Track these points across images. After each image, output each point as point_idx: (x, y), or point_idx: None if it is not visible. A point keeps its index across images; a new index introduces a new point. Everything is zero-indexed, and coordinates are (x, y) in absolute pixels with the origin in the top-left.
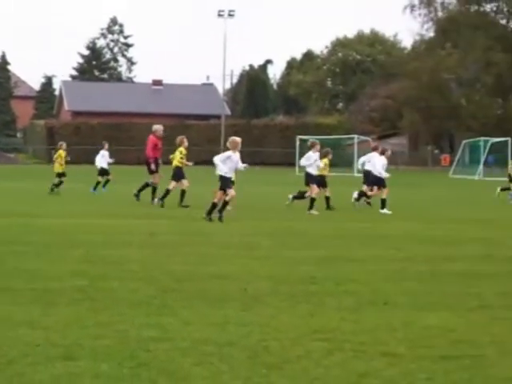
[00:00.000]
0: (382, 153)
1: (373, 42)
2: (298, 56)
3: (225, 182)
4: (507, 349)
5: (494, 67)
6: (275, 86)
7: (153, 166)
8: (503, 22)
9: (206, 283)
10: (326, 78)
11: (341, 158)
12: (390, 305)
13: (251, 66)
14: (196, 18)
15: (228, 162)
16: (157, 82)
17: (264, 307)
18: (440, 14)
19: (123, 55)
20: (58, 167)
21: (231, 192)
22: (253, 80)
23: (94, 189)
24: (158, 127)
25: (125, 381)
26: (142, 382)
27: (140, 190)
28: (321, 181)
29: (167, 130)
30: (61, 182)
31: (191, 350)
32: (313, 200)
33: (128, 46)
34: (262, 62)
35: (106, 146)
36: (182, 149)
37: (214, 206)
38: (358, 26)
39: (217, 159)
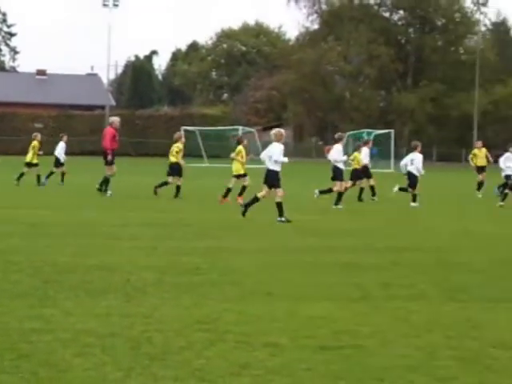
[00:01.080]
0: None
1: (258, 33)
2: (183, 47)
3: (276, 179)
4: (387, 339)
5: (376, 60)
6: (160, 77)
7: (110, 157)
8: (386, 14)
9: (89, 274)
10: (211, 69)
11: (225, 150)
12: (273, 295)
13: (136, 57)
14: (81, 7)
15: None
16: (41, 72)
17: (147, 298)
18: (324, 6)
19: (6, 44)
20: (30, 157)
21: (280, 191)
22: (138, 71)
23: (47, 177)
24: (115, 119)
25: (5, 372)
26: (22, 374)
27: (101, 185)
28: (365, 172)
29: (51, 121)
30: (23, 173)
31: (73, 341)
32: (340, 195)
33: (11, 35)
34: (147, 52)
35: (65, 138)
36: (178, 144)
37: (256, 199)
38: (243, 17)
39: (276, 155)
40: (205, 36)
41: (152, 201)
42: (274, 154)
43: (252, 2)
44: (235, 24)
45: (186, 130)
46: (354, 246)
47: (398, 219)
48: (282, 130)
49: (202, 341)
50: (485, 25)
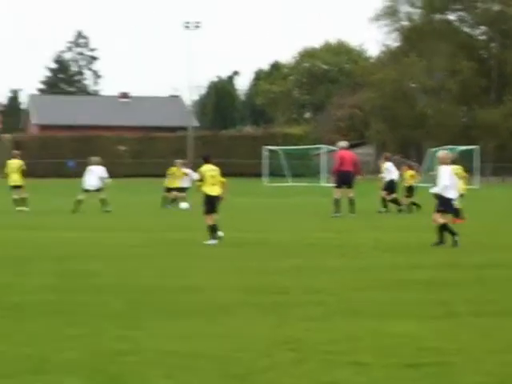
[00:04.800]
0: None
1: (339, 51)
2: (266, 67)
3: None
4: (474, 355)
5: (458, 75)
6: (243, 97)
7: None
8: (467, 30)
9: (175, 295)
10: (293, 88)
11: (308, 168)
12: (357, 314)
13: (219, 77)
14: (162, 29)
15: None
16: (124, 95)
17: (232, 318)
18: (405, 23)
19: (89, 68)
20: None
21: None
22: (220, 91)
23: None
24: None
25: None
26: None
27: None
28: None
29: (134, 143)
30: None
31: (160, 362)
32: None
33: (94, 59)
34: (229, 73)
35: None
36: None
37: (444, 228)
38: (325, 36)
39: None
40: (286, 55)
41: (233, 220)
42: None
43: (333, 20)
44: (317, 43)
45: (269, 150)
46: (436, 262)
47: (478, 235)
48: (444, 151)
49: (288, 360)
50: None
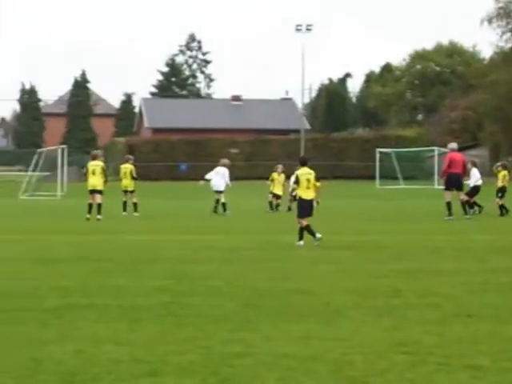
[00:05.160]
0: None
1: (451, 53)
2: (377, 69)
3: None
4: None
5: None
6: (354, 100)
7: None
8: None
9: (288, 298)
10: (405, 90)
11: (421, 171)
12: (473, 317)
13: (330, 80)
14: (274, 33)
15: None
16: (236, 98)
17: (347, 321)
18: None
19: (202, 72)
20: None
21: None
22: (331, 94)
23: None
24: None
25: None
26: None
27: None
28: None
29: (246, 146)
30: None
31: (274, 365)
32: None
33: (206, 62)
34: (341, 75)
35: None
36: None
37: None
38: (437, 37)
39: None
40: (397, 57)
41: (344, 223)
42: None
43: (445, 22)
44: (428, 45)
45: (381, 152)
46: None
47: None
48: None
49: (404, 363)
50: None
